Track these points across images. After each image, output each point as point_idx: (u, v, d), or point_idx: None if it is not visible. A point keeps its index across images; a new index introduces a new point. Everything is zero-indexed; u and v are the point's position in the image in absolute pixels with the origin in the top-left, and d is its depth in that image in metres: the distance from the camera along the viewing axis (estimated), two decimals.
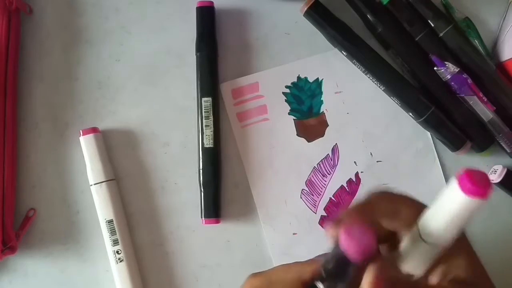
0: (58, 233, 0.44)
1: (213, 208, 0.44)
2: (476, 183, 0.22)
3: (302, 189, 0.45)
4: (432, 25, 0.42)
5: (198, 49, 0.44)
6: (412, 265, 0.27)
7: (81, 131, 0.43)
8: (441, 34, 0.42)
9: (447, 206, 0.23)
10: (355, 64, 0.43)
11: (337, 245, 0.25)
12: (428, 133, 0.45)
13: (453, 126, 0.43)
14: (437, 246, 0.25)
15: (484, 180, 0.22)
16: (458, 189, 0.22)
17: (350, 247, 0.23)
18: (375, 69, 0.43)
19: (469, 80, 0.42)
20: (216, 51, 0.44)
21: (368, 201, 0.28)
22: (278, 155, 0.45)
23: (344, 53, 0.43)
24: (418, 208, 0.27)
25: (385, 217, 0.28)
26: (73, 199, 0.45)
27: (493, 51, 0.45)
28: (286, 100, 0.45)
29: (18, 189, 0.44)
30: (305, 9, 0.42)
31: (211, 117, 0.44)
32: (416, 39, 0.42)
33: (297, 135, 0.45)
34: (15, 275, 0.44)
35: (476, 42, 0.44)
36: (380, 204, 0.28)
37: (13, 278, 0.44)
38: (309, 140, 0.45)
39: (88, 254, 0.44)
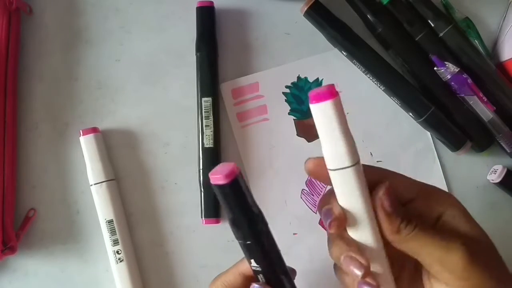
0: (58, 233, 0.44)
1: (213, 208, 0.44)
2: (323, 91, 0.25)
3: (302, 189, 0.45)
4: (432, 25, 0.42)
5: (198, 49, 0.44)
6: (349, 199, 0.28)
7: (81, 131, 0.43)
8: (441, 34, 0.42)
9: (322, 128, 0.27)
10: (355, 64, 0.43)
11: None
12: (428, 133, 0.45)
13: (453, 126, 0.43)
14: (349, 165, 0.27)
15: (328, 87, 0.25)
16: (317, 105, 0.25)
17: (215, 178, 0.27)
18: (375, 69, 0.43)
19: (469, 80, 0.42)
20: (216, 51, 0.44)
21: None
22: (278, 155, 0.45)
23: (344, 53, 0.43)
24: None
25: None
26: (73, 199, 0.45)
27: (493, 51, 0.45)
28: (286, 100, 0.45)
29: (18, 189, 0.44)
30: (305, 9, 0.42)
31: (211, 117, 0.44)
32: (416, 39, 0.42)
33: (297, 135, 0.45)
34: (15, 275, 0.44)
35: (476, 42, 0.44)
36: None
37: (13, 278, 0.44)
38: (309, 140, 0.45)
39: (88, 254, 0.44)
